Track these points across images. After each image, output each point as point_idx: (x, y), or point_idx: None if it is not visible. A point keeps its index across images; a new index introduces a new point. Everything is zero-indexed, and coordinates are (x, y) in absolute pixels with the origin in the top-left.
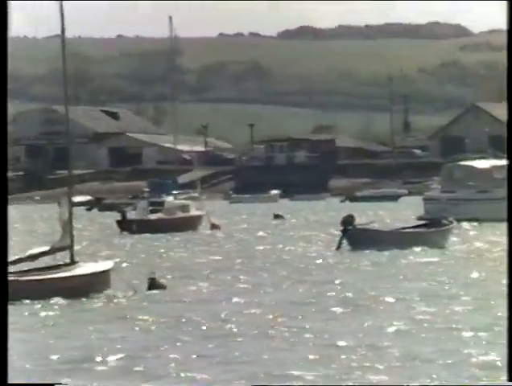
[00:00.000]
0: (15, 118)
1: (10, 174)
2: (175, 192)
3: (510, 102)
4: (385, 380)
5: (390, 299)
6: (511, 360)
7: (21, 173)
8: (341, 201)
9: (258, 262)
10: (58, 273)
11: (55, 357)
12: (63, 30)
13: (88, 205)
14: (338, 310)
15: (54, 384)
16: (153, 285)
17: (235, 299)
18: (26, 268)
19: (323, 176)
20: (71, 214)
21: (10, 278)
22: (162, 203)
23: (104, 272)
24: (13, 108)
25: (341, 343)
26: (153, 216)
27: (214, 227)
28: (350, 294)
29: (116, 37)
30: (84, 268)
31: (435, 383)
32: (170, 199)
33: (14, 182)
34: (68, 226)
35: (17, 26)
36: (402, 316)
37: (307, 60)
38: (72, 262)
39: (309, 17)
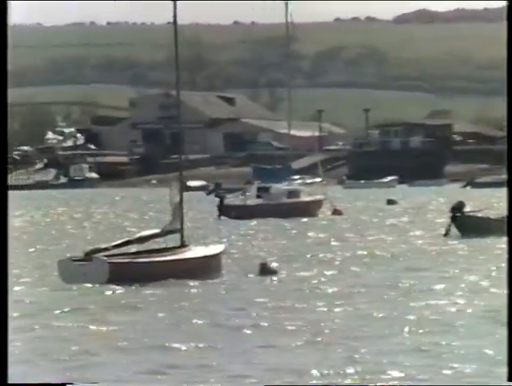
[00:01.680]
0: (133, 103)
1: (126, 158)
2: (295, 177)
3: (510, 102)
4: None
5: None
6: (511, 360)
7: (137, 157)
8: (462, 187)
9: (350, 249)
10: (171, 255)
11: None
12: (175, 19)
13: (207, 190)
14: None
15: (58, 384)
16: (264, 269)
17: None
18: (133, 250)
19: (438, 161)
20: (181, 198)
21: (124, 260)
22: (268, 189)
23: (215, 255)
24: (131, 93)
25: None
26: (252, 202)
27: (336, 212)
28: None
29: (232, 23)
30: (196, 251)
31: (438, 383)
32: (278, 185)
33: (131, 166)
34: (178, 209)
35: (135, 13)
36: None
37: (424, 44)
38: (183, 245)
39: (426, 0)
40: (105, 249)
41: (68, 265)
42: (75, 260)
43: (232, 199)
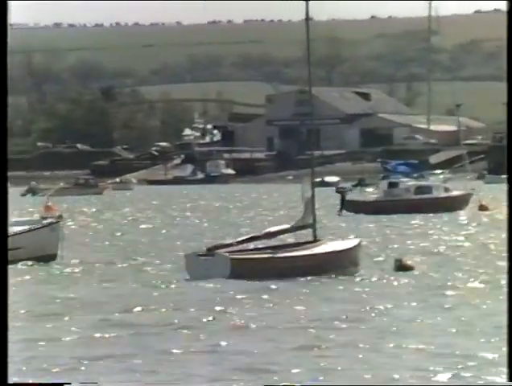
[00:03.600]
0: (270, 100)
1: (261, 154)
2: (435, 172)
3: (510, 100)
4: None
5: None
6: (511, 360)
7: (273, 153)
8: None
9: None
10: (299, 250)
11: None
12: (307, 16)
13: (347, 185)
14: None
15: (58, 384)
16: (400, 266)
17: None
18: (261, 246)
19: None
20: (313, 193)
21: (246, 255)
22: (397, 184)
23: (349, 250)
24: (267, 90)
25: None
26: (375, 197)
27: (483, 208)
28: None
29: (369, 18)
30: (328, 246)
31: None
32: (409, 180)
33: (267, 162)
34: (309, 205)
35: (272, 11)
36: None
37: None
38: (315, 240)
39: None
40: (230, 245)
41: (193, 259)
42: (199, 255)
43: (357, 195)
